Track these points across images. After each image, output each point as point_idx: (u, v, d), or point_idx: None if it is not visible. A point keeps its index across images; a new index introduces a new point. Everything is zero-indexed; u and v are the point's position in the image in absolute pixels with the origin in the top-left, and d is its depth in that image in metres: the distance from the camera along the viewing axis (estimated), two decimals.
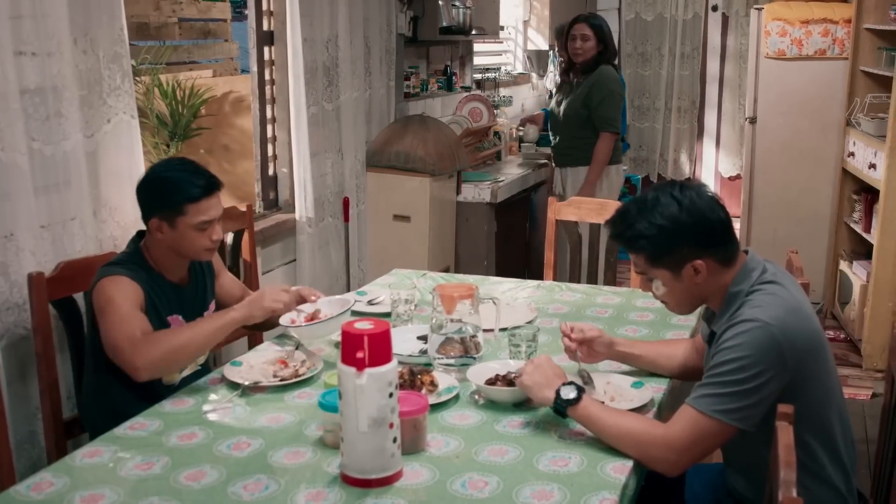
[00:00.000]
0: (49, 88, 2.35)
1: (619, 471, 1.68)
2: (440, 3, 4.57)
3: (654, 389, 2.03)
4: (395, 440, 1.62)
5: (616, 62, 4.57)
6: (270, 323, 2.43)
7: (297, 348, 2.29)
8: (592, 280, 3.54)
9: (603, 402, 1.89)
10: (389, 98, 4.43)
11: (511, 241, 4.87)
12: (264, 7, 3.73)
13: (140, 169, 2.70)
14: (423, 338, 2.28)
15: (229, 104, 4.62)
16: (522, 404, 1.96)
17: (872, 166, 4.37)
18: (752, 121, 5.34)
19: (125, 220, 2.66)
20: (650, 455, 1.72)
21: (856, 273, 4.56)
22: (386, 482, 1.62)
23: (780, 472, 1.37)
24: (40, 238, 2.35)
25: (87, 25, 2.48)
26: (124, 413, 1.95)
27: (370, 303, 2.70)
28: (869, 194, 4.52)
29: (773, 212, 5.32)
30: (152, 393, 2.11)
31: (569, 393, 1.78)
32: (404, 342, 2.26)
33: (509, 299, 2.75)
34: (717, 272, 1.80)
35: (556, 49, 5.38)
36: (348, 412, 1.59)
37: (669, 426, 1.72)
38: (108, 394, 2.17)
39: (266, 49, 3.77)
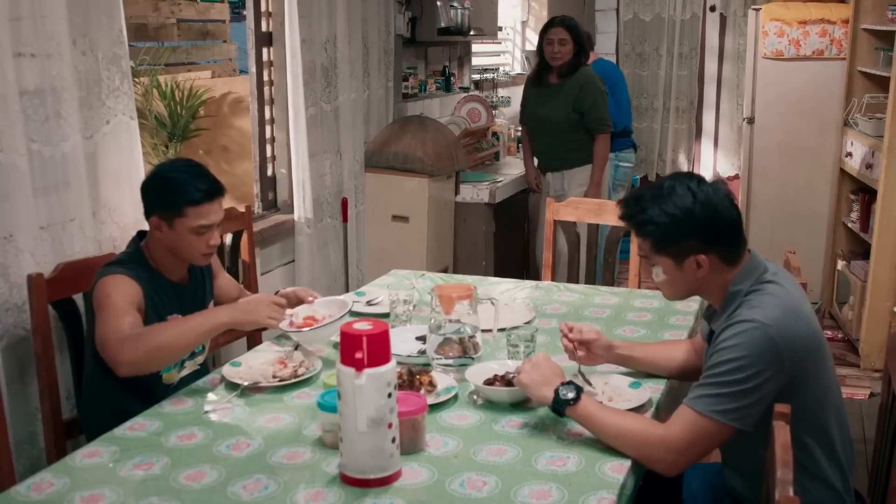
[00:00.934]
0: (48, 90, 2.35)
1: (617, 470, 1.68)
2: (438, 3, 4.57)
3: (652, 389, 2.03)
4: (393, 440, 1.63)
5: (585, 62, 4.53)
6: None
7: (296, 349, 2.29)
8: (590, 280, 3.55)
9: (601, 402, 1.89)
10: (388, 99, 4.44)
11: (509, 241, 4.88)
12: (263, 8, 3.74)
13: (139, 170, 2.70)
14: (422, 338, 2.29)
15: (228, 105, 4.63)
16: (521, 404, 1.96)
17: (869, 166, 4.38)
18: (750, 121, 5.34)
19: (124, 220, 2.67)
20: (648, 455, 1.72)
21: (853, 273, 4.57)
22: (385, 482, 1.62)
23: (776, 470, 1.38)
24: (40, 239, 2.35)
25: (86, 27, 2.48)
26: (124, 414, 1.95)
27: (369, 303, 2.70)
28: (866, 194, 4.53)
29: (770, 212, 5.33)
30: (152, 393, 2.12)
31: (568, 392, 1.79)
32: (403, 342, 2.27)
33: (507, 300, 2.75)
34: (720, 269, 1.81)
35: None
36: (347, 412, 1.59)
37: (668, 426, 1.73)
38: (107, 394, 2.18)
39: (265, 50, 3.77)
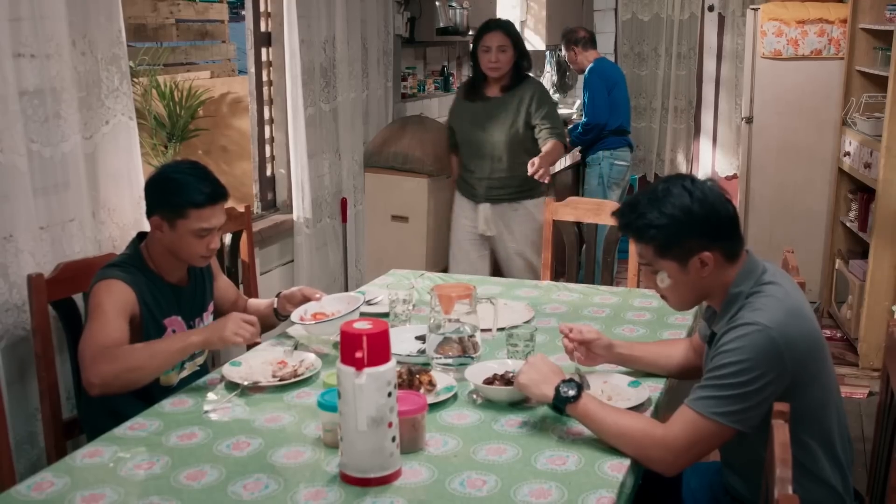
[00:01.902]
0: (48, 90, 2.35)
1: (616, 469, 1.69)
2: (437, 3, 4.58)
3: (651, 389, 2.04)
4: (393, 439, 1.63)
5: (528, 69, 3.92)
6: (270, 323, 2.44)
7: (295, 348, 2.29)
8: (589, 280, 3.55)
9: (601, 401, 1.89)
10: (387, 99, 4.44)
11: None
12: (262, 8, 3.74)
13: (139, 170, 2.71)
14: (422, 338, 2.29)
15: (227, 105, 4.63)
16: (520, 403, 1.96)
17: (868, 166, 4.39)
18: (749, 120, 5.35)
19: (124, 221, 2.67)
20: (648, 455, 1.73)
21: (852, 272, 4.57)
22: (385, 481, 1.63)
23: (776, 469, 1.38)
24: (39, 239, 2.36)
25: (86, 27, 2.49)
26: (123, 414, 1.95)
27: (368, 303, 2.70)
28: (865, 194, 4.54)
29: (769, 211, 5.33)
30: (151, 394, 2.11)
31: (569, 390, 1.79)
32: (402, 342, 2.27)
33: (507, 299, 2.76)
34: (723, 267, 1.80)
35: (563, 50, 5.33)
36: (347, 412, 1.59)
37: (668, 427, 1.73)
38: (105, 396, 2.17)
39: (263, 50, 3.77)
